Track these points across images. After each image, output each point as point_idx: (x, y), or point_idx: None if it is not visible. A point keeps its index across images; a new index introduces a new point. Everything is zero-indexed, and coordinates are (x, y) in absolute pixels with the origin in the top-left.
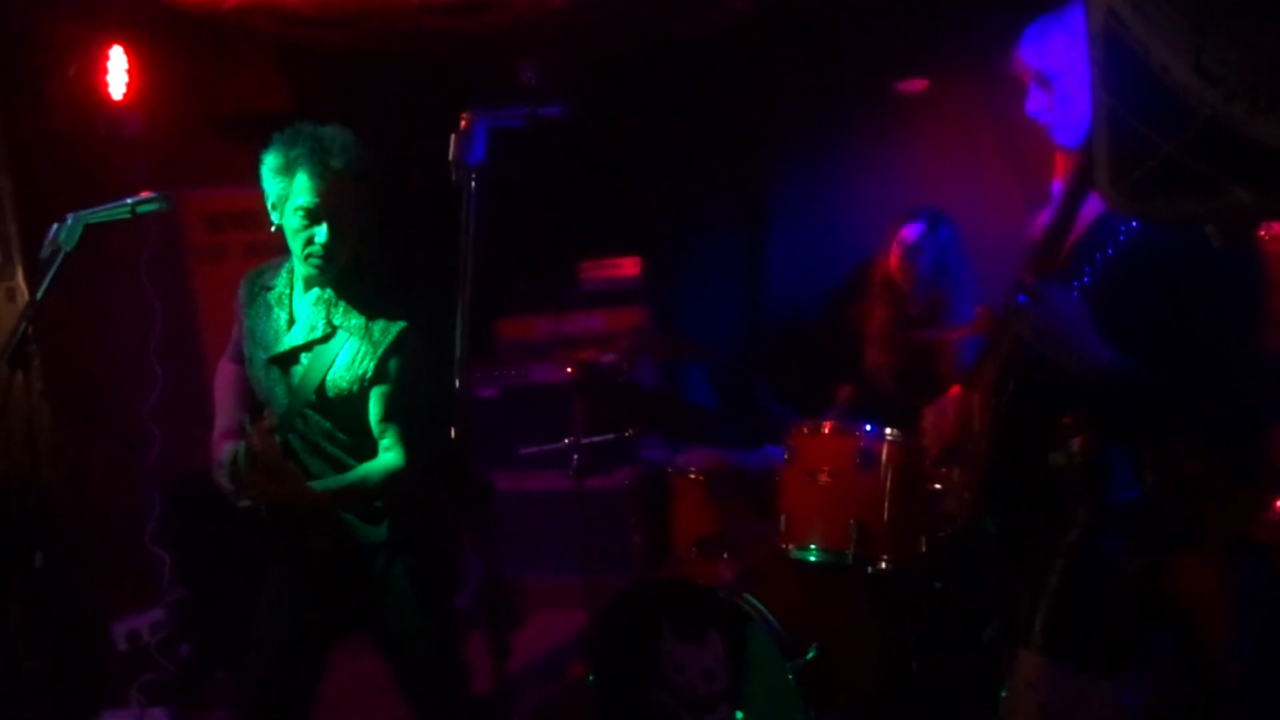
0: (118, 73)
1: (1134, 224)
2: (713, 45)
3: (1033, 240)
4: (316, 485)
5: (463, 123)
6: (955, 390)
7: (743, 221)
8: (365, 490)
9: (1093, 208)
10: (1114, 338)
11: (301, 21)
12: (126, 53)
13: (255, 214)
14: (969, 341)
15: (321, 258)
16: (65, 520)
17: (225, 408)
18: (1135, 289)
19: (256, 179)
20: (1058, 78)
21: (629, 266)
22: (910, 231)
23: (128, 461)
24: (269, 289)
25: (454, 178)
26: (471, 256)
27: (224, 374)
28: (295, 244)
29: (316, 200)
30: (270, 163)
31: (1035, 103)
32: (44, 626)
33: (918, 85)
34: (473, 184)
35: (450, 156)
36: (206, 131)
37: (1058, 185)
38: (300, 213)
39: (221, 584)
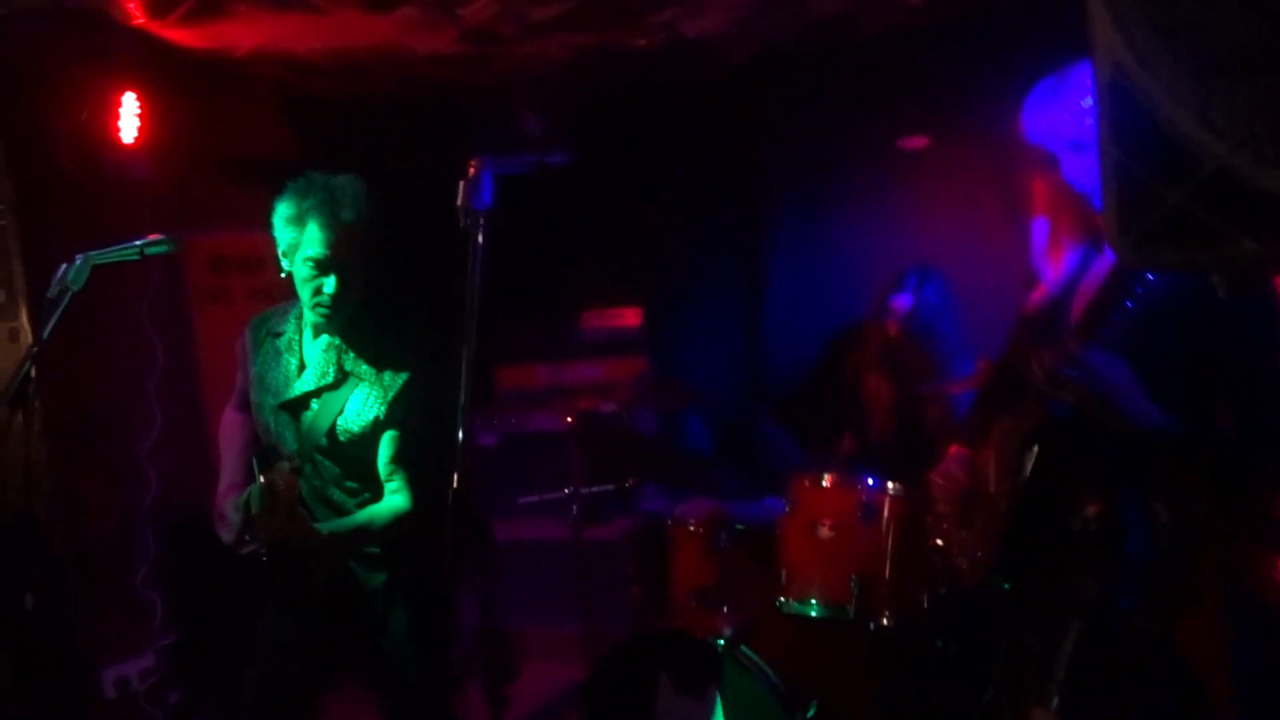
0: (129, 117)
1: (1151, 277)
2: (714, 96)
3: (1079, 305)
4: (323, 527)
5: (471, 170)
6: (954, 449)
7: (744, 272)
8: (371, 532)
9: (1104, 263)
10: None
11: (311, 70)
12: (138, 98)
13: (259, 258)
14: (965, 394)
15: (329, 307)
16: (58, 562)
17: (231, 457)
18: (1157, 341)
19: (261, 224)
20: (1086, 146)
21: (630, 316)
22: (901, 301)
23: (123, 502)
24: (278, 335)
25: (461, 223)
26: (477, 300)
27: (229, 422)
28: (304, 292)
29: (326, 252)
30: (282, 212)
31: (1072, 170)
32: (32, 670)
33: (919, 142)
34: (480, 230)
35: (458, 202)
36: (213, 176)
37: (1041, 223)
38: (310, 263)
39: (213, 630)
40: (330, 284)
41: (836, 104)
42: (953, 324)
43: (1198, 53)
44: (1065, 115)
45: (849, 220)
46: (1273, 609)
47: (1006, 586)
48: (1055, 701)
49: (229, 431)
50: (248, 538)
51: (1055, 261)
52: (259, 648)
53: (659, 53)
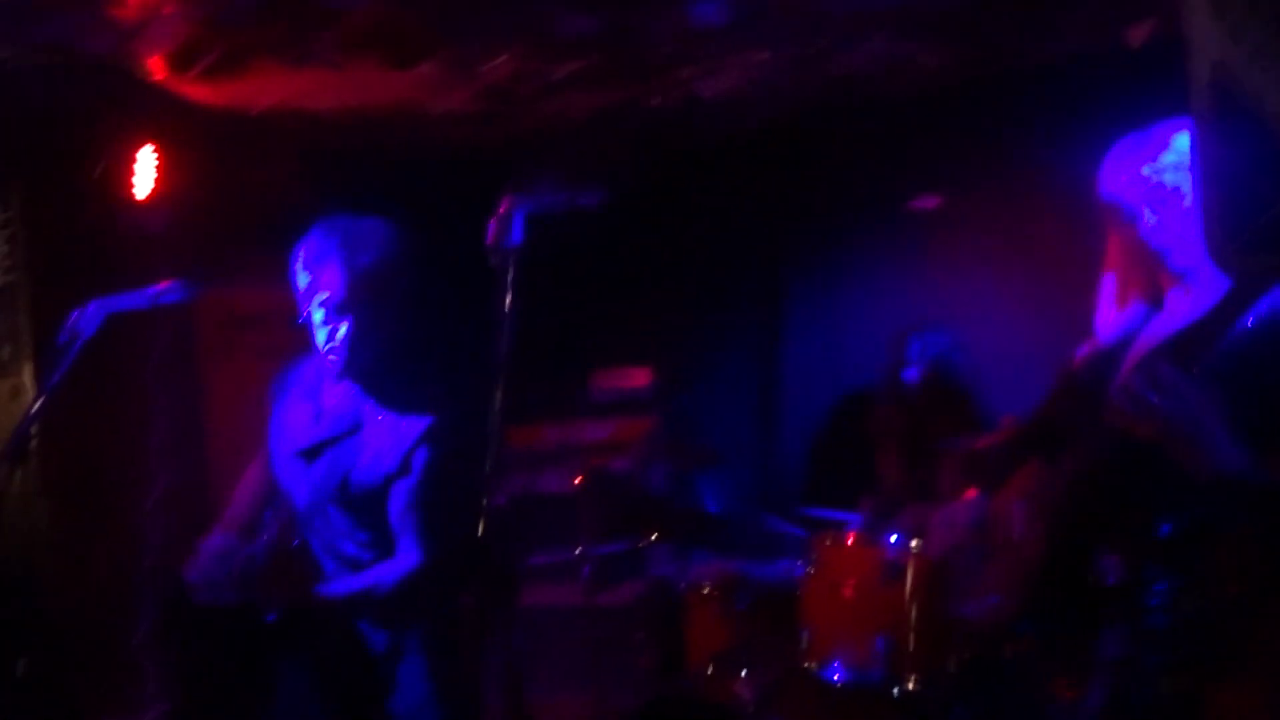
0: (145, 172)
1: (1249, 320)
2: (730, 157)
3: (1174, 333)
4: (325, 589)
5: (501, 208)
6: (971, 493)
7: (759, 333)
8: (379, 593)
9: (1164, 320)
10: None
11: (328, 127)
12: (155, 152)
13: (271, 315)
14: (985, 451)
15: (343, 353)
16: (55, 624)
17: (237, 503)
18: (1253, 380)
19: (274, 280)
20: (1164, 203)
21: (640, 376)
22: (910, 375)
23: (122, 563)
24: (300, 382)
25: (492, 262)
26: (510, 338)
27: (249, 474)
28: (319, 337)
29: (340, 295)
30: (301, 253)
31: (1148, 228)
32: None
33: (930, 202)
34: (511, 269)
35: (489, 241)
36: (228, 231)
37: (1110, 278)
38: (323, 307)
39: (211, 698)
40: (344, 329)
41: (852, 165)
42: (967, 377)
43: None
44: (1143, 171)
45: (866, 281)
46: None
47: (1026, 635)
48: None
49: (245, 480)
50: (249, 598)
51: (1116, 317)
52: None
53: (675, 112)
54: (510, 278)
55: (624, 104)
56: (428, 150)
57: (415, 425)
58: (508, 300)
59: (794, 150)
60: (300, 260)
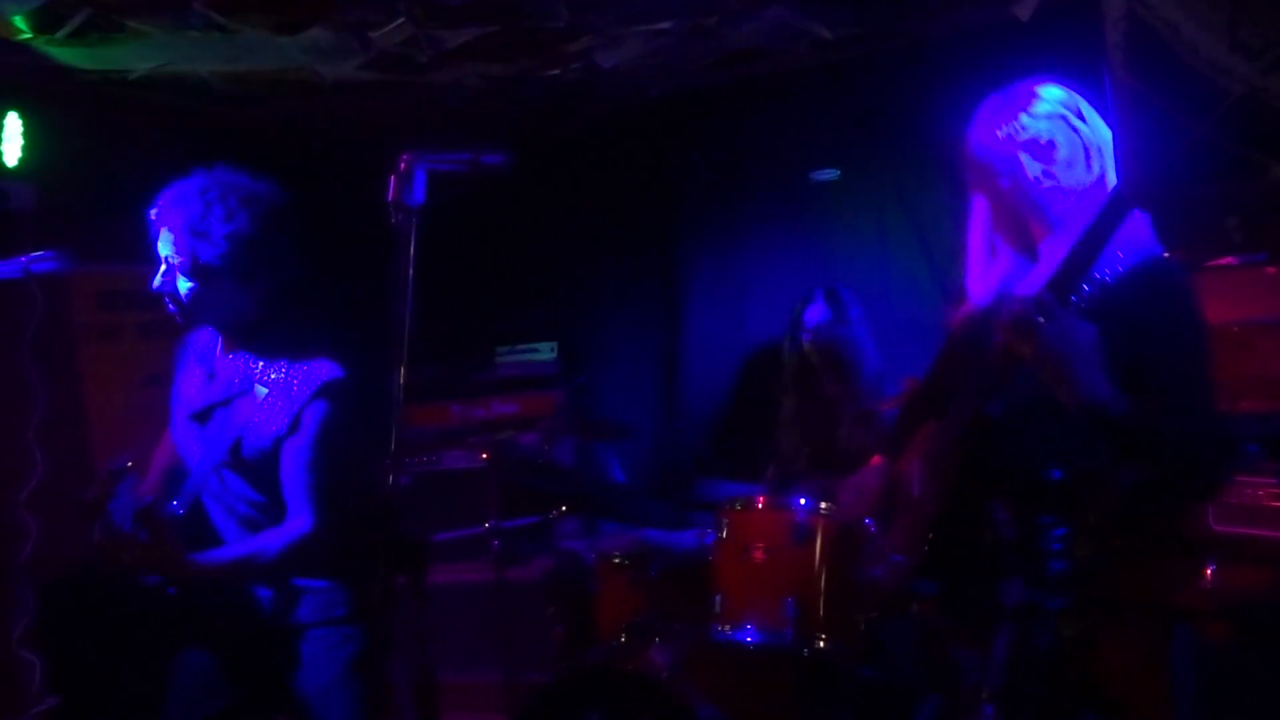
0: (11, 140)
1: (1112, 269)
2: (628, 130)
3: (1052, 267)
4: (203, 557)
5: (402, 165)
6: (876, 460)
7: (660, 304)
8: (265, 561)
9: (1037, 276)
10: None
11: (209, 97)
12: (22, 119)
13: (151, 293)
14: (887, 414)
15: (181, 311)
16: None
17: (154, 473)
18: (1117, 325)
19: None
20: (1040, 154)
21: (544, 352)
22: (811, 314)
23: None
24: (195, 346)
25: (392, 220)
26: (410, 296)
27: (164, 443)
28: (156, 283)
29: (171, 251)
30: (156, 204)
31: (1025, 181)
32: None
33: (828, 174)
34: (413, 227)
35: (389, 198)
36: (105, 204)
37: (977, 239)
38: (167, 262)
39: (101, 692)
40: (187, 284)
41: (749, 137)
42: (865, 336)
43: None
44: (1013, 126)
45: (763, 251)
46: (1204, 616)
47: (927, 591)
48: (990, 712)
49: (160, 450)
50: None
51: (989, 276)
52: (170, 699)
53: (573, 83)
54: (411, 236)
55: (521, 74)
56: (319, 119)
57: (308, 384)
58: (408, 258)
59: (693, 122)
60: (154, 211)
